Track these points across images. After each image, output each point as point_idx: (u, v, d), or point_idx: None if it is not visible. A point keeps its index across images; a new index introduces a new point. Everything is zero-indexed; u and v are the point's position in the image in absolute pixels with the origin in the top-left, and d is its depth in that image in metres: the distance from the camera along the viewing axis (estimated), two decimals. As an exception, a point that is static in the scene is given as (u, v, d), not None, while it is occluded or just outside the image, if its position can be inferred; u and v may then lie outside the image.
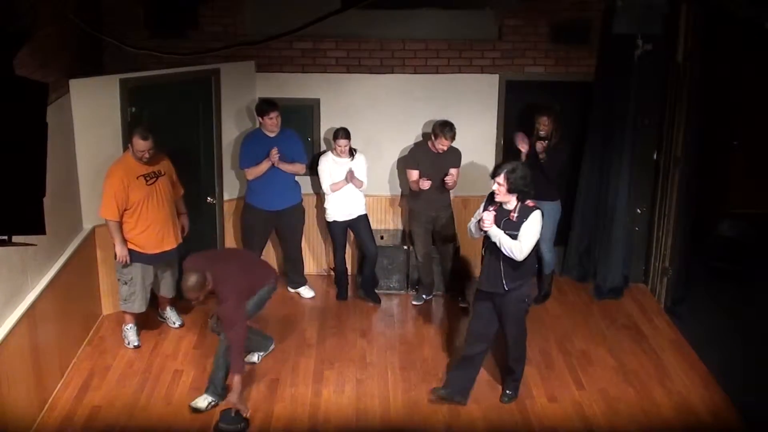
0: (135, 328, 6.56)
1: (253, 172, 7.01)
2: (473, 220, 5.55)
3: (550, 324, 7.06)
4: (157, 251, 6.34)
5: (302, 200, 7.33)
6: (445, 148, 6.91)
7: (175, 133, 6.92)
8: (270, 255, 7.82)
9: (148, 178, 6.22)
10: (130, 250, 6.25)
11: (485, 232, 5.38)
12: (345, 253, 7.42)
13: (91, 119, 6.40)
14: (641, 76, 7.10)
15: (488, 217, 5.32)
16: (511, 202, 5.38)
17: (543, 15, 7.31)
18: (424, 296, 7.44)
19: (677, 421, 5.70)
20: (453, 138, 6.88)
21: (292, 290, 7.61)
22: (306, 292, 7.54)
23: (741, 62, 7.71)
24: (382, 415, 5.73)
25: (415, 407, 5.79)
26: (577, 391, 6.02)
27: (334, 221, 7.21)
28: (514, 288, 5.45)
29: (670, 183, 7.21)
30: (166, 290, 6.71)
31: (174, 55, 6.51)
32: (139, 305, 6.45)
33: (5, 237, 2.88)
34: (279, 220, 7.23)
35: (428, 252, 7.32)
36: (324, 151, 7.30)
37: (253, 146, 7.02)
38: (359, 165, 7.12)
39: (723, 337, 6.65)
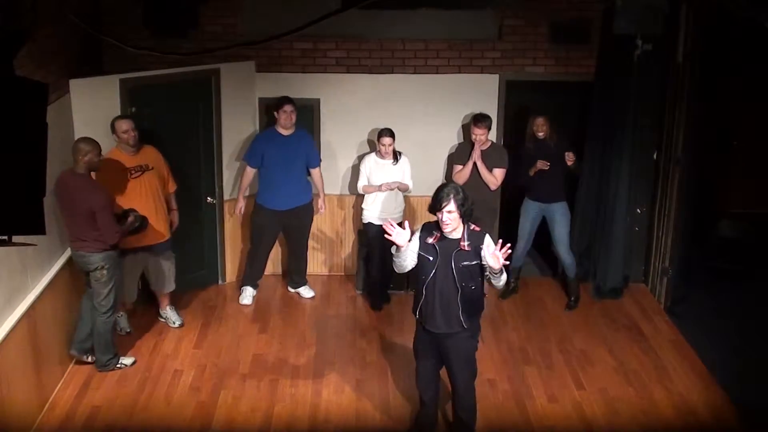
0: (125, 315, 6.69)
1: (247, 176, 7.09)
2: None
3: (550, 324, 7.06)
4: (138, 245, 6.35)
5: (312, 200, 7.32)
6: (477, 138, 6.95)
7: (175, 133, 6.93)
8: (274, 253, 7.78)
9: (132, 171, 6.30)
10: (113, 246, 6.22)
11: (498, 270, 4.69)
12: (383, 258, 6.90)
13: (91, 119, 6.40)
14: (641, 76, 7.10)
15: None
16: (458, 230, 4.80)
17: (543, 15, 7.31)
18: None
19: (677, 421, 5.70)
20: (486, 127, 6.98)
21: (292, 290, 7.60)
22: (306, 292, 7.54)
23: (741, 62, 7.71)
24: (382, 415, 5.73)
25: (415, 407, 5.78)
26: (577, 391, 6.02)
27: (370, 223, 7.11)
28: (470, 323, 4.93)
29: (670, 183, 7.21)
30: (160, 285, 6.74)
31: (174, 55, 6.52)
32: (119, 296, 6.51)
33: (5, 237, 2.88)
34: (288, 220, 7.21)
35: None
36: (368, 152, 7.30)
37: (262, 143, 7.03)
38: (403, 168, 7.07)
39: (723, 337, 6.65)
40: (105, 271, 5.80)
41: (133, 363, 6.22)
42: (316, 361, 6.39)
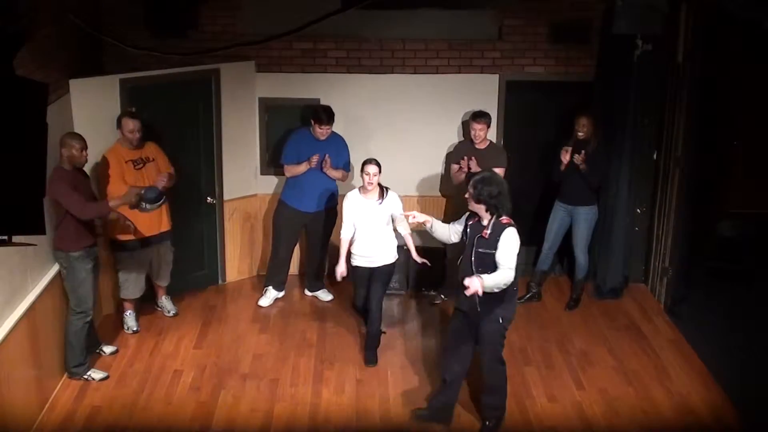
0: (134, 314, 6.77)
1: (292, 171, 7.00)
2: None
3: (550, 324, 7.06)
4: (146, 235, 6.49)
5: (337, 204, 7.21)
6: (476, 133, 6.92)
7: (175, 133, 6.93)
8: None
9: (136, 164, 6.42)
10: (122, 242, 6.47)
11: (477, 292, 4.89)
12: (365, 301, 6.38)
13: (91, 119, 6.41)
14: (641, 76, 7.10)
15: (471, 282, 4.82)
16: (485, 217, 5.10)
17: (543, 15, 7.31)
18: (443, 296, 7.43)
19: (677, 421, 5.70)
20: (486, 123, 6.94)
21: (309, 293, 7.54)
22: (324, 295, 7.47)
23: (741, 62, 7.71)
24: (382, 415, 5.73)
25: (415, 407, 5.79)
26: (577, 391, 6.02)
27: (358, 267, 6.30)
28: (492, 307, 5.12)
29: (670, 183, 7.21)
30: (161, 278, 6.92)
31: (174, 55, 6.52)
32: (132, 291, 6.66)
33: (5, 237, 2.88)
34: (310, 222, 7.17)
35: (459, 252, 7.29)
36: (351, 191, 6.35)
37: (298, 144, 6.98)
38: (391, 207, 6.19)
39: (723, 337, 6.65)
40: (65, 271, 5.77)
41: (105, 378, 5.99)
42: (316, 361, 6.39)
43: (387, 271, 6.31)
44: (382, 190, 6.17)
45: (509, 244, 5.01)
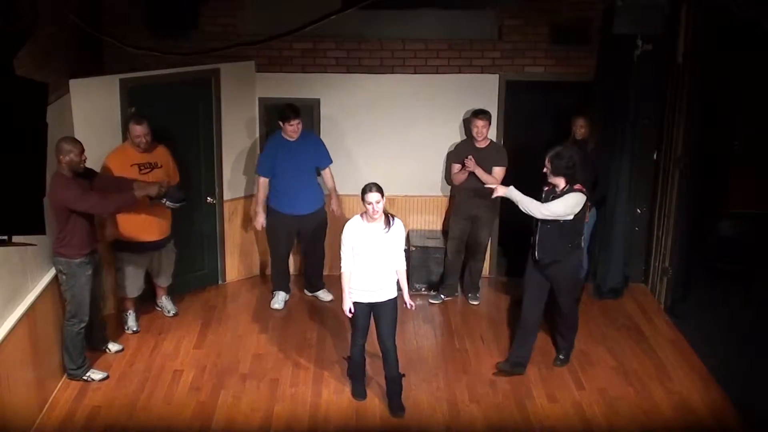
0: (134, 314, 6.77)
1: (263, 185, 7.03)
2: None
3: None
4: (147, 239, 6.50)
5: (325, 204, 7.26)
6: (478, 130, 6.94)
7: (175, 133, 6.93)
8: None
9: (142, 167, 6.39)
10: (122, 241, 6.47)
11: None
12: (365, 341, 5.81)
13: (91, 119, 6.41)
14: (641, 76, 7.10)
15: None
16: (561, 185, 5.83)
17: (543, 15, 7.31)
18: (442, 296, 7.43)
19: (677, 421, 5.71)
20: (487, 120, 6.98)
21: (309, 294, 7.53)
22: (324, 295, 7.46)
23: (741, 62, 7.71)
24: (382, 415, 5.73)
25: (415, 407, 5.79)
26: (577, 391, 6.02)
27: (356, 303, 5.63)
28: (567, 255, 5.90)
29: (670, 183, 7.21)
30: (161, 279, 6.93)
31: (174, 55, 6.52)
32: (131, 290, 6.67)
33: (5, 237, 2.88)
34: (302, 225, 7.16)
35: (460, 251, 7.31)
36: (352, 218, 5.68)
37: (272, 151, 6.96)
38: (398, 236, 5.58)
39: (723, 337, 6.65)
40: (64, 277, 5.72)
41: (105, 378, 5.98)
42: (316, 361, 6.39)
43: (392, 306, 5.66)
44: (388, 217, 5.53)
45: (566, 198, 5.77)
